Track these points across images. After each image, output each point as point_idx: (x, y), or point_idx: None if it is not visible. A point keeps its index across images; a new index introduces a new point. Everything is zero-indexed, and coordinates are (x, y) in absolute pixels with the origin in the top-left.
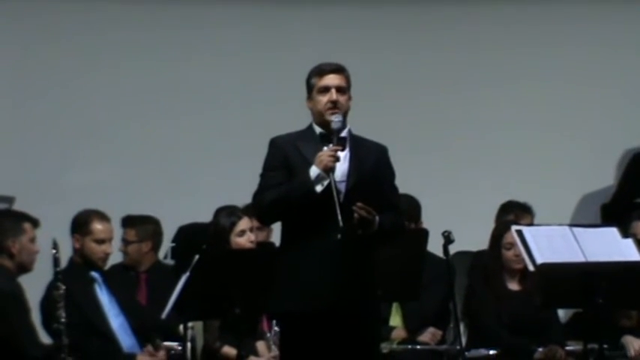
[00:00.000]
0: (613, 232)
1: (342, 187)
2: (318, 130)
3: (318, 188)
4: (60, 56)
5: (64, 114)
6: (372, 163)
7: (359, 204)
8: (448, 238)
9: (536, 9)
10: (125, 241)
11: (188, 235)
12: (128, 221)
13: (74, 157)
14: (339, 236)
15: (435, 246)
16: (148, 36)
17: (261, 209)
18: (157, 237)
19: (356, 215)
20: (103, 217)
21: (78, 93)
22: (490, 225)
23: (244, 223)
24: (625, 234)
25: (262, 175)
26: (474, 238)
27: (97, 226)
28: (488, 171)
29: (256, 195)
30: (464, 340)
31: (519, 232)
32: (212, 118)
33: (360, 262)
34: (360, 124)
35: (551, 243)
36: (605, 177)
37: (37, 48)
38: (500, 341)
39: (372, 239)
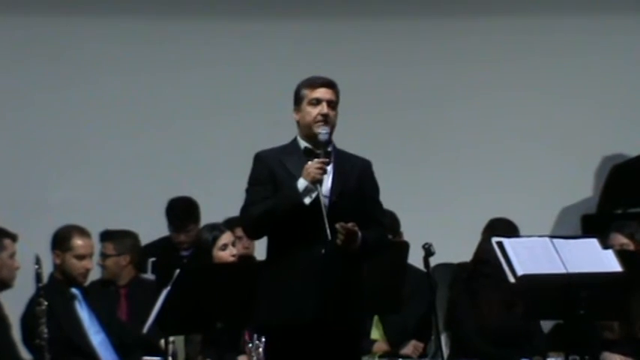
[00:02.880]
0: (593, 243)
1: (326, 201)
2: (303, 144)
3: (307, 200)
4: (41, 72)
5: (45, 130)
6: (356, 178)
7: (341, 224)
8: (429, 251)
9: (517, 21)
10: (103, 255)
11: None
12: (106, 235)
13: (56, 173)
14: (322, 251)
15: (415, 259)
16: (128, 51)
17: (248, 223)
18: (136, 251)
19: (340, 236)
20: (83, 232)
21: (59, 109)
22: (471, 237)
23: (226, 237)
24: (605, 245)
25: (248, 190)
26: (454, 250)
27: (78, 242)
28: (468, 183)
29: (243, 210)
30: (446, 353)
31: (499, 244)
32: (193, 133)
33: (346, 275)
34: (341, 137)
35: (531, 254)
36: (585, 188)
37: (16, 64)
38: (483, 353)
39: (356, 255)
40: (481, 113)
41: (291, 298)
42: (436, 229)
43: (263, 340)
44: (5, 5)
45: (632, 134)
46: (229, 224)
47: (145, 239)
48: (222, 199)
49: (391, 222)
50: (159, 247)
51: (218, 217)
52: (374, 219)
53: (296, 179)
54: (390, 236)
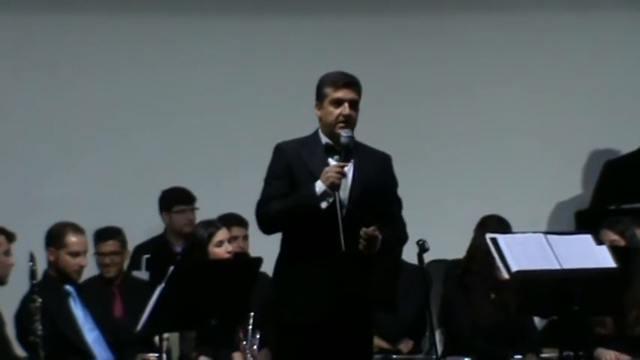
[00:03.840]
0: (587, 239)
1: (346, 198)
2: (324, 139)
3: (323, 205)
4: (36, 71)
5: (39, 128)
6: (376, 173)
7: (364, 230)
8: (423, 247)
9: (514, 18)
10: (112, 254)
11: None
12: (110, 233)
13: (50, 170)
14: (338, 252)
15: (409, 255)
16: (123, 49)
17: (264, 219)
18: (126, 247)
19: (362, 242)
20: (77, 229)
21: (52, 107)
22: (465, 233)
23: (222, 234)
24: (598, 241)
25: (267, 183)
26: (448, 246)
27: (72, 239)
28: (462, 179)
29: (261, 204)
30: (439, 349)
31: (493, 240)
32: (188, 131)
33: (359, 277)
34: None
35: (525, 250)
36: (579, 185)
37: (11, 63)
38: (477, 349)
39: (374, 255)
40: (475, 111)
41: (305, 297)
42: (430, 226)
43: (258, 337)
44: (0, 5)
45: (625, 130)
46: (224, 221)
47: (139, 237)
48: (217, 196)
49: None
50: (153, 244)
51: (213, 215)
52: (393, 215)
53: (314, 177)
54: None
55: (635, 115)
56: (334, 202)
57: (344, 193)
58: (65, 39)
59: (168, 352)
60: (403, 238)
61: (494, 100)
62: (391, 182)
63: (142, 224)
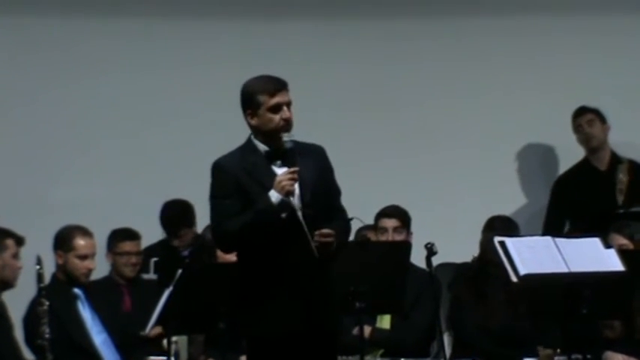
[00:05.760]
0: (595, 242)
1: (298, 200)
2: (262, 147)
3: (284, 215)
4: (43, 73)
5: (47, 131)
6: (318, 169)
7: (318, 232)
8: (431, 250)
9: (516, 21)
10: (137, 254)
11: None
12: (132, 234)
13: (58, 173)
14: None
15: (417, 258)
16: (130, 51)
17: (225, 240)
18: None
19: (316, 250)
20: (85, 232)
21: (60, 109)
22: (472, 236)
23: None
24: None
25: (215, 204)
26: (456, 250)
27: (80, 242)
28: (470, 182)
29: (216, 225)
30: (448, 352)
31: (502, 243)
32: (196, 131)
33: (323, 281)
34: (342, 136)
35: (534, 254)
36: None
37: (18, 64)
38: (486, 351)
39: (330, 258)
40: (483, 113)
41: (275, 309)
42: (438, 229)
43: None
44: (5, 7)
45: (633, 133)
46: None
47: (148, 239)
48: None
49: (405, 219)
50: (161, 247)
51: None
52: (336, 207)
53: (267, 189)
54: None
55: None
56: (293, 209)
57: (295, 197)
58: (72, 41)
59: (177, 355)
60: (348, 227)
61: (502, 102)
62: (330, 174)
63: (151, 226)
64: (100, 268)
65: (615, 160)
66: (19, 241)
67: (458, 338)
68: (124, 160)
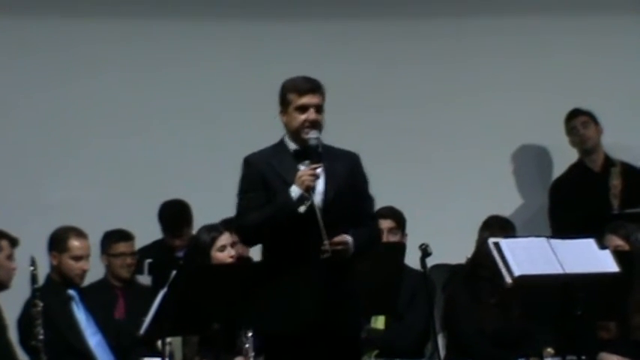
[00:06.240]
0: (590, 243)
1: (320, 201)
2: (292, 146)
3: (302, 209)
4: (38, 73)
5: (42, 131)
6: (347, 174)
7: (326, 242)
8: (425, 251)
9: (517, 21)
10: (132, 254)
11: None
12: (127, 235)
13: (52, 174)
14: (319, 258)
15: (411, 259)
16: (128, 51)
17: (245, 232)
18: None
19: (327, 254)
20: (80, 233)
21: (55, 110)
22: (466, 237)
23: (225, 239)
24: (602, 246)
25: (241, 197)
26: (450, 251)
27: (75, 243)
28: (465, 183)
29: (238, 218)
30: (442, 353)
31: (496, 245)
32: (193, 134)
33: (342, 280)
34: (338, 136)
35: (528, 255)
36: None
37: (14, 65)
38: (480, 352)
39: (350, 260)
40: (478, 114)
41: (291, 306)
42: (432, 230)
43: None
44: (3, 8)
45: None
46: (226, 225)
47: (142, 240)
48: (218, 200)
49: (400, 221)
50: (155, 248)
51: (214, 219)
52: (365, 214)
53: (288, 184)
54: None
55: None
56: (312, 205)
57: (318, 197)
58: (70, 41)
59: (171, 357)
60: (376, 236)
61: (498, 103)
62: (362, 181)
63: (146, 227)
64: (94, 270)
65: (608, 162)
66: (14, 242)
67: (452, 339)
68: (118, 161)
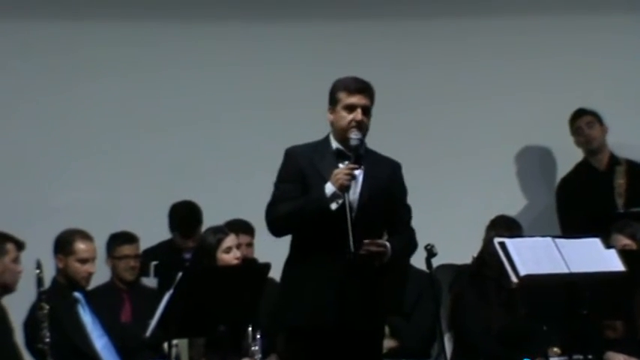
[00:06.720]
0: (596, 242)
1: (355, 202)
2: (334, 144)
3: (333, 206)
4: (43, 76)
5: (48, 134)
6: (386, 180)
7: (367, 241)
8: (431, 252)
9: (523, 22)
10: (136, 256)
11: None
12: (133, 238)
13: (58, 177)
14: (347, 257)
15: (417, 260)
16: (134, 54)
17: (274, 221)
18: None
19: (364, 249)
20: (85, 236)
21: (60, 113)
22: (472, 238)
23: (230, 240)
24: (608, 245)
25: (276, 186)
26: (456, 251)
27: (80, 246)
28: (470, 184)
29: (270, 206)
30: (449, 353)
31: (502, 244)
32: (199, 135)
33: (369, 280)
34: None
35: (534, 254)
36: None
37: (18, 67)
38: (487, 351)
39: (386, 265)
40: (483, 113)
41: (315, 301)
42: (438, 230)
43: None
44: (5, 10)
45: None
46: (231, 227)
47: (148, 242)
48: (223, 201)
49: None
50: (161, 250)
51: (220, 220)
52: (402, 222)
53: (325, 182)
54: None
55: None
56: (344, 204)
57: (353, 197)
58: (75, 43)
59: (177, 359)
60: (412, 246)
61: (503, 103)
62: (401, 190)
63: (151, 229)
64: (101, 273)
65: (613, 160)
66: (20, 245)
67: (459, 339)
68: (124, 163)
